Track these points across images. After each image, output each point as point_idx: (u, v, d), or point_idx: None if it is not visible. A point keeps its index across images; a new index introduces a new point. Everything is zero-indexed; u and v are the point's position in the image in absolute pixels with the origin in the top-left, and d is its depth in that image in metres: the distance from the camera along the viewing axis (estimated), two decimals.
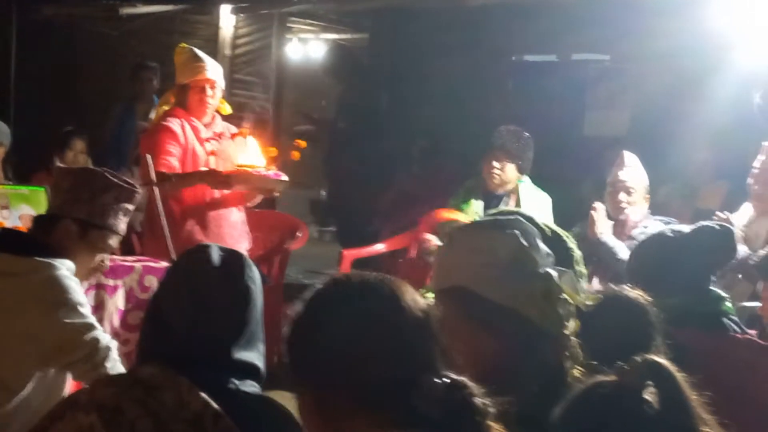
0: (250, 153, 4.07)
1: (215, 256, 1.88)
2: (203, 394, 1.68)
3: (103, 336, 2.55)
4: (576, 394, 1.44)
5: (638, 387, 1.34)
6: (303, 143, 4.16)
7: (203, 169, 4.09)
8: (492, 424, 1.36)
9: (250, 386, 1.82)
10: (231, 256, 1.91)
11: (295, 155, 4.12)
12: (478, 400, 1.37)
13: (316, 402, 1.44)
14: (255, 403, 1.80)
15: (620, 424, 1.34)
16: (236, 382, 1.79)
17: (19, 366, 2.47)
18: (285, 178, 4.06)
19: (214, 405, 1.68)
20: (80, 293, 2.56)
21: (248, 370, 1.82)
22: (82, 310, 2.52)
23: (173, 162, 4.05)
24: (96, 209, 2.64)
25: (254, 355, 1.84)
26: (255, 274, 1.90)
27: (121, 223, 2.71)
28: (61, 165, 2.91)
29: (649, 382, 1.34)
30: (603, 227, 4.22)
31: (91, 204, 2.64)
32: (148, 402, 1.68)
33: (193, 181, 4.09)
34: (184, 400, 1.67)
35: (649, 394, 1.34)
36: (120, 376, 1.79)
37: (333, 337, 1.42)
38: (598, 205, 4.28)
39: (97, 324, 2.57)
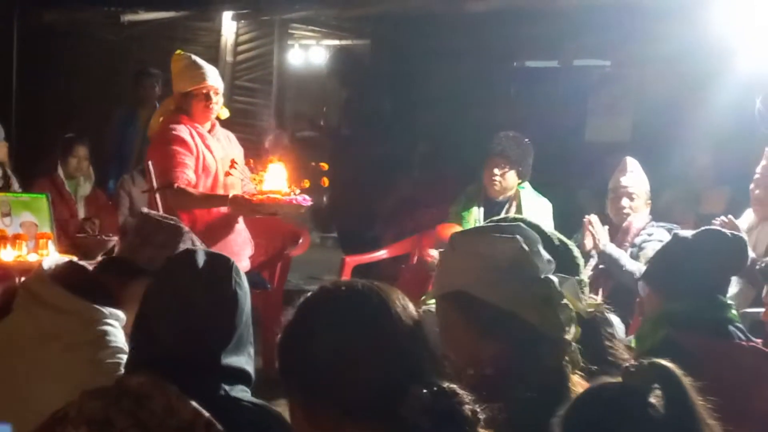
0: (275, 178, 3.95)
1: (200, 261, 1.87)
2: (193, 402, 1.67)
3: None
4: (581, 396, 1.44)
5: (644, 389, 1.33)
6: (325, 165, 4.09)
7: (232, 193, 3.96)
8: (482, 431, 1.36)
9: (241, 391, 1.81)
10: (216, 261, 1.89)
11: (325, 182, 4.04)
12: (468, 408, 1.36)
13: (305, 410, 1.43)
14: (246, 408, 1.79)
15: (625, 427, 1.33)
16: (226, 387, 1.79)
17: (44, 398, 2.43)
18: (310, 202, 3.99)
19: (205, 413, 1.66)
20: (121, 344, 2.43)
21: (238, 375, 1.82)
22: (120, 357, 2.41)
23: (190, 174, 3.95)
24: None
25: (243, 360, 1.83)
26: (242, 278, 1.89)
27: None
28: (146, 212, 2.83)
29: (655, 385, 1.34)
30: (605, 239, 4.21)
31: None
32: (137, 412, 1.66)
33: (222, 204, 3.98)
34: (173, 408, 1.66)
35: (655, 397, 1.33)
36: (108, 388, 1.76)
37: (321, 345, 1.42)
38: (592, 218, 4.26)
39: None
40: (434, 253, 4.49)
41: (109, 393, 1.74)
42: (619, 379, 1.38)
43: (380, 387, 1.38)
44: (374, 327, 1.42)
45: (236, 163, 4.11)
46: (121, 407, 1.67)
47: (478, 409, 1.37)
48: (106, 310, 2.45)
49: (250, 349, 1.87)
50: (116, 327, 2.46)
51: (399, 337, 1.41)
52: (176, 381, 1.70)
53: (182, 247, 2.59)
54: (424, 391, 1.36)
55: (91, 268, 2.59)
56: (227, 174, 4.08)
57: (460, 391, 1.38)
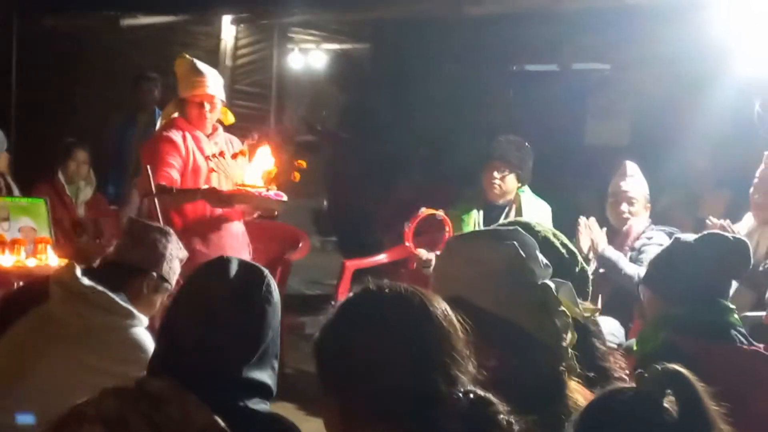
0: (251, 172, 4.05)
1: (232, 271, 1.84)
2: (211, 412, 1.67)
3: None
4: (594, 401, 1.43)
5: (657, 395, 1.33)
6: (303, 163, 4.14)
7: (204, 186, 4.08)
8: None
9: (259, 404, 1.80)
10: (249, 272, 1.86)
11: (296, 177, 4.10)
12: (503, 418, 1.36)
13: (340, 411, 1.43)
14: (263, 421, 1.78)
15: None
16: (245, 400, 1.77)
17: (74, 392, 2.48)
18: (285, 198, 4.04)
19: (221, 423, 1.66)
20: (149, 342, 2.58)
21: (258, 389, 1.80)
22: (143, 355, 2.53)
23: (174, 174, 4.03)
24: (172, 269, 2.80)
25: (267, 374, 1.82)
26: (273, 292, 1.85)
27: (175, 280, 2.86)
28: (134, 218, 3.03)
29: (668, 390, 1.34)
30: (603, 242, 4.21)
31: (170, 264, 2.79)
32: (153, 416, 1.66)
33: (194, 197, 4.07)
34: (190, 416, 1.66)
35: (668, 403, 1.33)
36: (128, 387, 1.76)
37: (361, 345, 1.42)
38: (590, 221, 4.25)
39: None
40: (421, 252, 4.49)
41: (129, 394, 1.74)
42: (633, 385, 1.38)
43: (417, 391, 1.38)
44: (415, 330, 1.42)
45: (218, 156, 4.15)
46: (138, 409, 1.68)
47: (513, 420, 1.37)
48: (134, 310, 2.61)
49: (275, 362, 1.84)
50: (143, 327, 2.62)
51: (438, 342, 1.41)
52: (195, 389, 1.69)
53: (170, 247, 2.79)
54: (462, 397, 1.36)
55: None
56: (211, 170, 4.12)
57: (496, 401, 1.38)
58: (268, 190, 4.00)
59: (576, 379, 1.74)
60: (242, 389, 1.78)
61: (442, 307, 1.45)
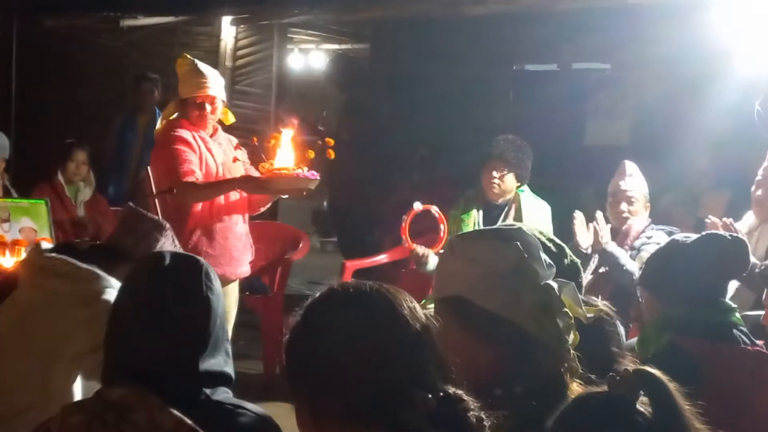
0: (280, 156, 4.00)
1: (169, 264, 1.83)
2: (175, 412, 1.66)
3: None
4: (568, 406, 1.43)
5: (630, 397, 1.33)
6: (331, 141, 4.12)
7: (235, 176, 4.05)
8: None
9: (222, 393, 1.80)
10: (186, 263, 1.86)
11: (331, 154, 4.09)
12: (473, 415, 1.35)
13: (310, 411, 1.43)
14: (229, 411, 1.78)
15: None
16: (207, 392, 1.77)
17: (58, 362, 2.51)
18: (318, 177, 4.01)
19: (188, 421, 1.65)
20: None
21: (218, 378, 1.80)
22: None
23: (196, 171, 3.98)
24: None
25: (221, 361, 1.81)
26: (213, 280, 1.85)
27: None
28: (132, 206, 3.00)
29: (641, 392, 1.34)
30: (607, 237, 4.21)
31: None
32: (120, 425, 1.65)
33: (231, 187, 4.05)
34: (156, 420, 1.64)
35: (641, 404, 1.33)
36: (89, 400, 1.74)
37: (327, 346, 1.42)
38: (598, 216, 4.27)
39: None
40: (418, 248, 4.49)
41: (92, 406, 1.73)
42: (605, 388, 1.38)
43: (385, 390, 1.37)
44: (380, 329, 1.41)
45: (237, 159, 4.16)
46: (104, 421, 1.66)
47: (484, 416, 1.37)
48: (109, 277, 2.59)
49: (227, 346, 1.85)
50: (113, 288, 2.58)
51: (405, 341, 1.40)
52: (156, 390, 1.68)
53: (163, 241, 2.78)
54: (429, 396, 1.35)
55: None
56: (235, 159, 4.11)
57: (466, 398, 1.37)
58: (300, 169, 3.96)
59: (578, 380, 1.73)
60: (202, 381, 1.77)
61: (408, 305, 1.44)
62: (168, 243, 2.80)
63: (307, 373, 1.44)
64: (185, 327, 1.79)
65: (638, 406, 1.33)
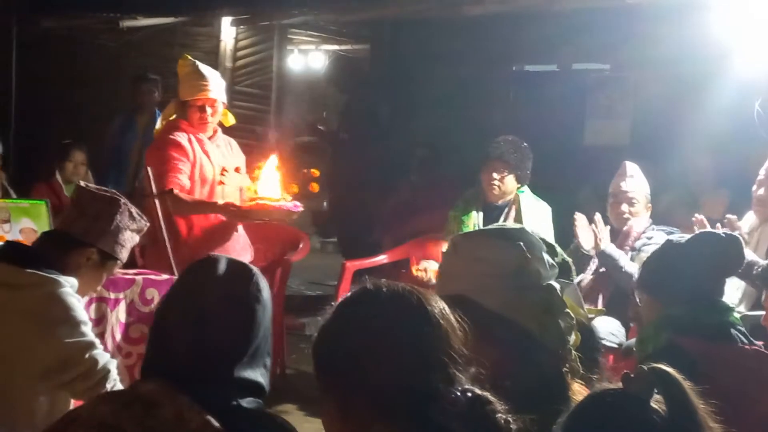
0: (264, 183, 4.02)
1: (221, 269, 1.83)
2: (204, 412, 1.66)
3: (103, 356, 2.55)
4: (581, 403, 1.43)
5: (645, 395, 1.33)
6: (316, 172, 4.14)
7: (220, 201, 4.05)
8: None
9: (252, 403, 1.79)
10: (238, 270, 1.85)
11: (314, 188, 4.10)
12: (501, 417, 1.36)
13: (339, 409, 1.44)
14: (256, 419, 1.77)
15: None
16: (238, 399, 1.76)
17: (18, 379, 2.46)
18: (302, 208, 4.03)
19: (215, 423, 1.66)
20: (82, 311, 2.55)
21: (251, 388, 1.79)
22: (83, 328, 2.52)
23: (184, 180, 4.00)
24: (119, 243, 2.71)
25: (258, 373, 1.80)
26: (263, 290, 1.84)
27: (127, 253, 2.79)
28: (83, 185, 2.88)
29: (656, 390, 1.34)
30: (606, 239, 4.21)
31: (116, 237, 2.70)
32: (146, 419, 1.66)
33: (212, 211, 4.05)
34: (183, 417, 1.65)
35: (656, 402, 1.33)
36: (121, 392, 1.76)
37: (360, 344, 1.43)
38: (597, 218, 4.27)
39: (98, 343, 2.57)
40: (424, 266, 4.51)
41: (122, 398, 1.75)
42: (620, 385, 1.38)
43: (415, 390, 1.39)
44: (412, 329, 1.42)
45: (239, 170, 4.15)
46: (132, 413, 1.67)
47: (512, 419, 1.37)
48: (57, 276, 2.52)
49: (267, 360, 1.83)
50: (69, 290, 2.54)
51: (436, 341, 1.42)
52: (188, 390, 1.69)
53: (119, 218, 2.69)
54: (459, 395, 1.36)
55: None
56: (220, 183, 4.10)
57: (494, 399, 1.38)
58: (285, 200, 3.98)
59: (579, 381, 1.73)
60: (235, 389, 1.76)
61: (439, 306, 1.46)
62: (124, 218, 2.71)
63: (337, 373, 1.45)
64: (228, 332, 1.78)
65: (652, 404, 1.33)
